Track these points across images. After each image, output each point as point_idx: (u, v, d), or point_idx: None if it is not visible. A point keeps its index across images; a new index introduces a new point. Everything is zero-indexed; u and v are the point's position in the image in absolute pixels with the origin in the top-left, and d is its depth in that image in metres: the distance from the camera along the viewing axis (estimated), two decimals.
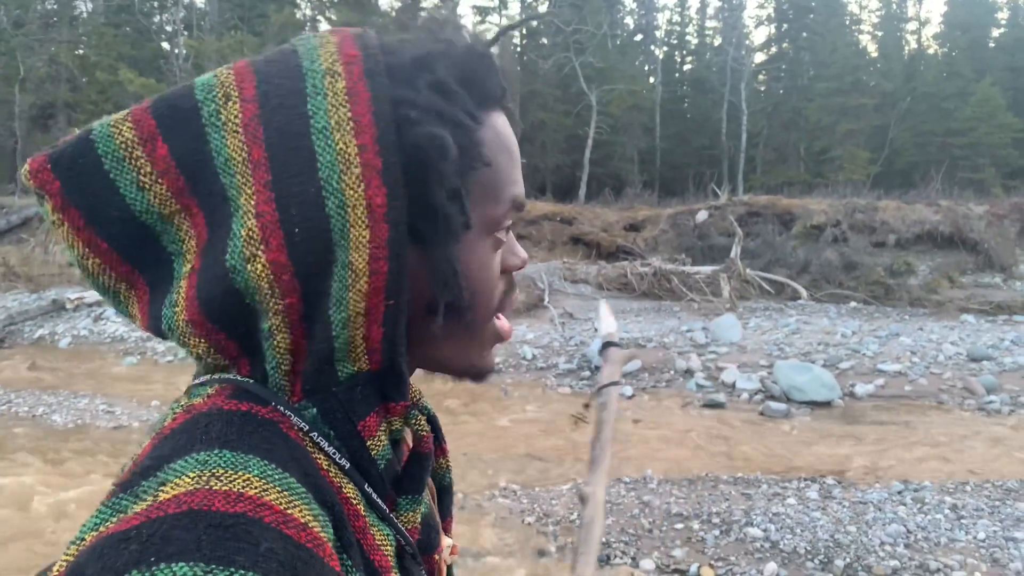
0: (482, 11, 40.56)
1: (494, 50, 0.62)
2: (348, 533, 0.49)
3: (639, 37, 45.18)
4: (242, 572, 0.40)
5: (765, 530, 4.72)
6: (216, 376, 0.53)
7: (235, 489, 0.43)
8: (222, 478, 0.44)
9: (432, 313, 0.56)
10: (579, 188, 31.62)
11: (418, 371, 0.63)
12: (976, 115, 31.18)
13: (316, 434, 0.52)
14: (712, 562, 4.30)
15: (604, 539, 4.63)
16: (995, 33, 43.55)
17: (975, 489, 5.68)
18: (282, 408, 0.51)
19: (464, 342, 0.61)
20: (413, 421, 0.59)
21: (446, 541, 0.68)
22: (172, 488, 0.43)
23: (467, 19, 42.70)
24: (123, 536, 0.41)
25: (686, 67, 45.77)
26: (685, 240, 19.22)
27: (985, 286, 17.44)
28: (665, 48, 45.93)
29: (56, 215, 0.52)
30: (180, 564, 0.39)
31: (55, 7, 31.44)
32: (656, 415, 8.05)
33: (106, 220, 0.52)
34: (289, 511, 0.44)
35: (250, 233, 0.49)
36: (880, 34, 45.42)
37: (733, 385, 8.87)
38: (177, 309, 0.52)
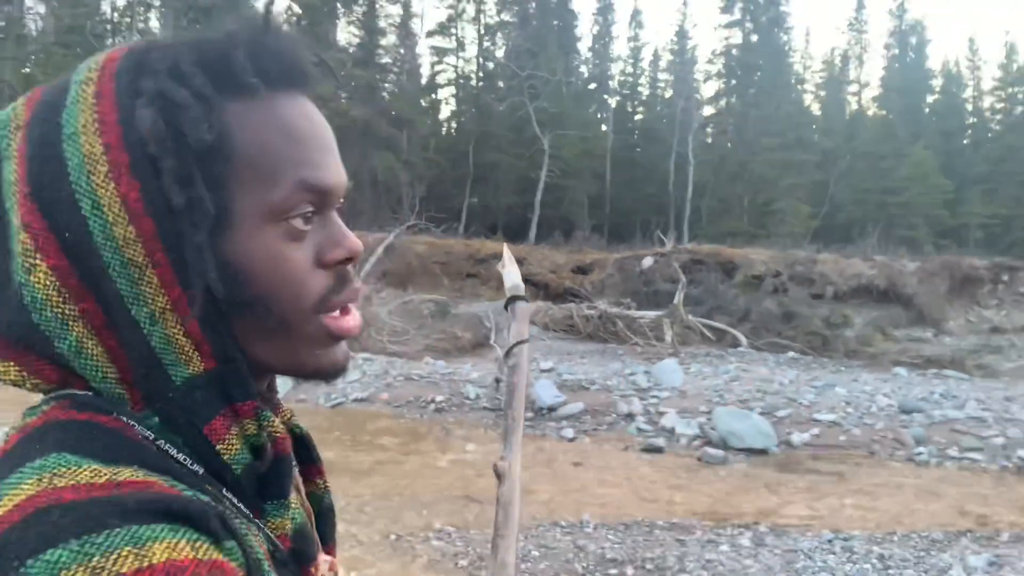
0: (440, 51, 41.06)
1: (286, 33, 0.58)
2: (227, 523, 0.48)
3: (593, 85, 46.17)
4: (120, 528, 0.39)
5: None
6: (52, 395, 0.52)
7: (83, 481, 0.42)
8: (65, 475, 0.42)
9: (231, 310, 0.53)
10: (530, 229, 31.90)
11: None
12: (910, 176, 32.58)
13: (163, 441, 0.50)
14: None
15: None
16: (930, 99, 45.81)
17: (902, 539, 5.80)
18: (124, 417, 0.49)
19: (284, 340, 0.56)
20: (266, 423, 0.55)
21: (324, 558, 0.64)
22: (11, 499, 0.41)
23: (425, 59, 43.24)
24: None
25: (637, 117, 46.86)
26: (631, 285, 19.50)
27: (917, 340, 18.05)
28: (618, 97, 47.01)
29: None
30: (50, 551, 0.38)
31: (2, 24, 30.76)
32: (596, 458, 8.04)
33: None
34: (148, 479, 0.44)
35: (24, 246, 0.49)
36: (823, 94, 47.41)
37: (673, 430, 8.94)
38: None
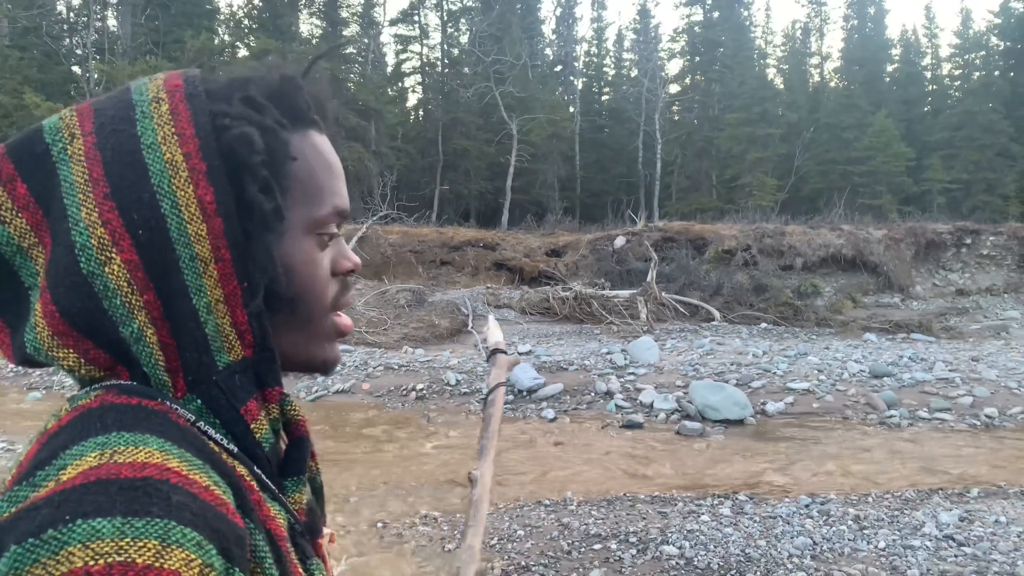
0: (403, 40, 40.70)
1: (317, 79, 0.71)
2: (246, 502, 0.54)
3: (558, 68, 46.12)
4: (158, 520, 0.44)
5: (680, 547, 4.83)
6: (97, 385, 0.57)
7: (139, 459, 0.47)
8: (124, 453, 0.48)
9: (268, 304, 0.61)
10: (502, 215, 31.90)
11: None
12: (873, 145, 32.97)
13: (203, 423, 0.57)
14: None
15: (524, 563, 4.66)
16: (889, 68, 46.31)
17: (876, 500, 5.97)
18: (168, 402, 0.56)
19: (303, 334, 0.67)
20: (288, 407, 0.65)
21: (325, 530, 0.73)
22: (74, 468, 0.47)
23: (389, 48, 42.82)
24: (31, 507, 0.44)
25: (604, 97, 46.89)
26: (604, 265, 19.62)
27: (885, 306, 18.40)
28: (584, 79, 46.99)
29: None
30: (98, 519, 0.43)
31: None
32: (577, 437, 8.15)
33: None
34: (191, 475, 0.49)
35: (101, 240, 0.55)
36: (786, 67, 47.67)
37: (651, 406, 9.08)
38: (39, 328, 0.56)
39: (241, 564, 0.49)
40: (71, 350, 0.57)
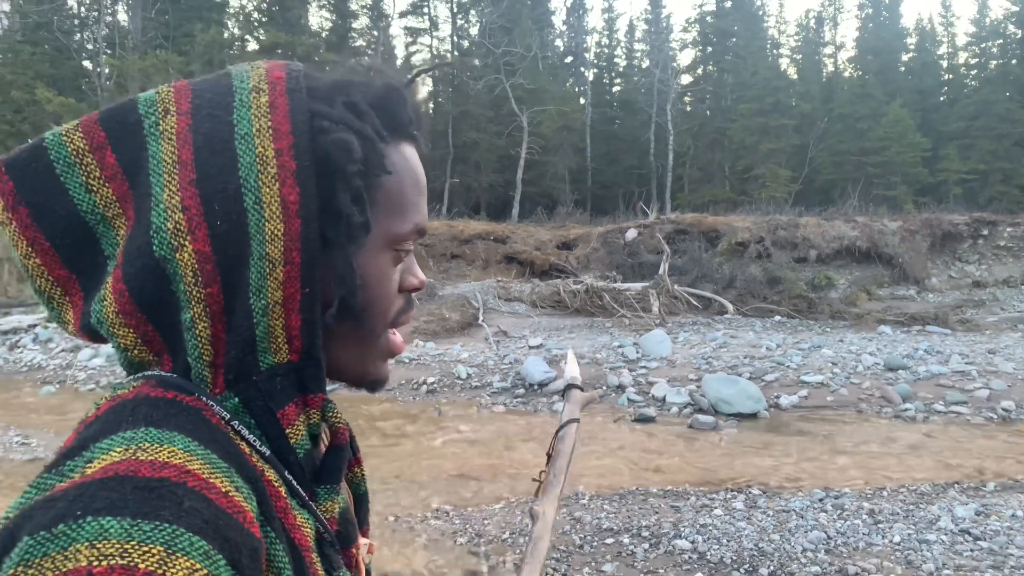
0: (413, 32, 40.66)
1: (409, 89, 0.68)
2: (270, 509, 0.53)
3: (569, 59, 45.93)
4: (167, 525, 0.44)
5: (693, 541, 4.80)
6: (139, 374, 0.57)
7: (160, 458, 0.47)
8: (148, 450, 0.47)
9: (333, 314, 0.60)
10: (512, 207, 31.83)
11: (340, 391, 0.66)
12: (888, 135, 32.68)
13: (237, 423, 0.56)
14: (642, 575, 4.36)
15: None
16: (904, 57, 45.85)
17: (891, 494, 5.91)
18: (205, 398, 0.55)
19: (361, 348, 0.65)
20: (330, 414, 0.63)
21: (363, 540, 0.71)
22: (100, 462, 0.46)
23: (399, 39, 42.80)
24: (50, 498, 0.44)
25: (615, 88, 46.67)
26: (616, 258, 19.54)
27: (900, 298, 18.25)
28: (595, 70, 46.78)
29: (6, 213, 0.56)
30: (108, 518, 0.43)
31: None
32: (589, 431, 8.12)
33: (52, 219, 0.56)
34: (211, 480, 0.48)
35: (177, 225, 0.54)
36: (799, 57, 47.29)
37: (663, 399, 9.04)
38: (106, 303, 0.56)
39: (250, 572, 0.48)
40: (132, 330, 0.56)
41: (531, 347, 12.12)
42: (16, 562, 0.42)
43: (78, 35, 32.62)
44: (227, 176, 0.55)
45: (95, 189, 0.56)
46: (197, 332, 0.55)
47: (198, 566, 0.43)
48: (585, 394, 1.31)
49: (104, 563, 0.41)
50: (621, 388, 9.51)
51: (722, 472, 6.64)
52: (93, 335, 0.59)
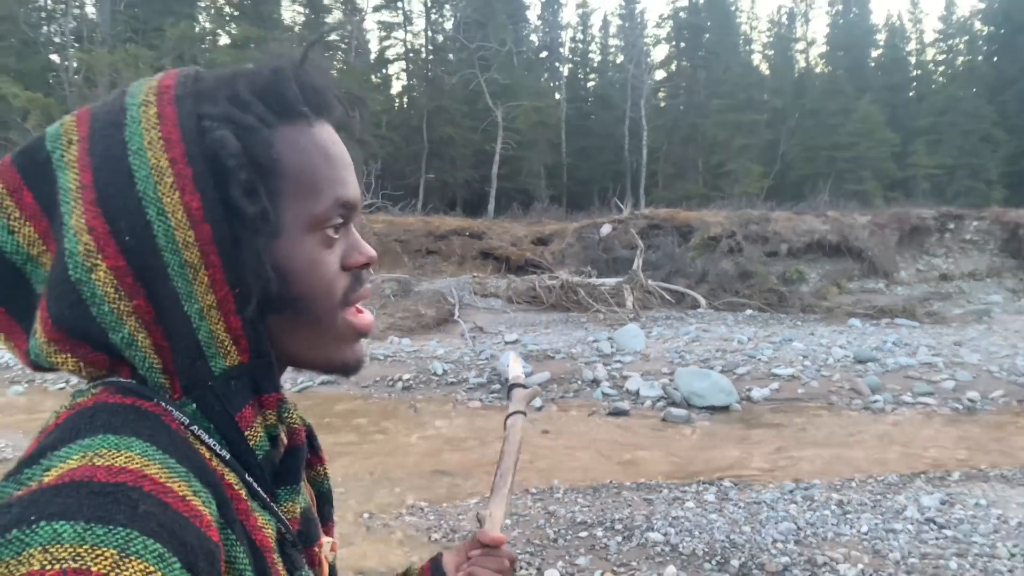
0: (387, 26, 40.44)
1: (317, 67, 0.67)
2: (231, 512, 0.54)
3: (544, 54, 45.94)
4: (121, 529, 0.44)
5: (665, 534, 4.86)
6: (98, 381, 0.57)
7: (117, 464, 0.47)
8: (104, 456, 0.48)
9: (272, 308, 0.60)
10: (488, 203, 31.83)
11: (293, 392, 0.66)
12: (858, 131, 33.12)
13: (197, 427, 0.57)
14: (615, 568, 4.40)
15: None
16: (874, 53, 46.47)
17: (859, 485, 6.02)
18: (164, 403, 0.56)
19: (315, 335, 0.65)
20: (286, 415, 0.63)
21: (326, 539, 0.72)
22: (57, 470, 0.47)
23: (372, 34, 42.53)
24: (4, 506, 0.45)
25: (590, 84, 46.81)
26: (591, 253, 19.62)
27: (870, 291, 18.53)
28: (569, 65, 46.85)
29: None
30: (61, 522, 0.43)
31: None
32: (564, 425, 8.18)
33: None
34: (168, 484, 0.48)
35: (87, 247, 0.54)
36: (771, 53, 47.76)
37: (637, 393, 9.11)
38: (38, 336, 0.57)
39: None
40: (69, 355, 0.57)
41: (507, 343, 12.14)
42: None
43: (45, 28, 32.02)
44: (126, 192, 0.55)
45: (16, 230, 0.57)
46: (139, 345, 0.56)
47: (152, 569, 0.44)
48: (528, 391, 1.30)
49: (57, 567, 0.41)
50: (596, 382, 9.57)
51: (694, 465, 6.72)
52: (44, 368, 0.59)
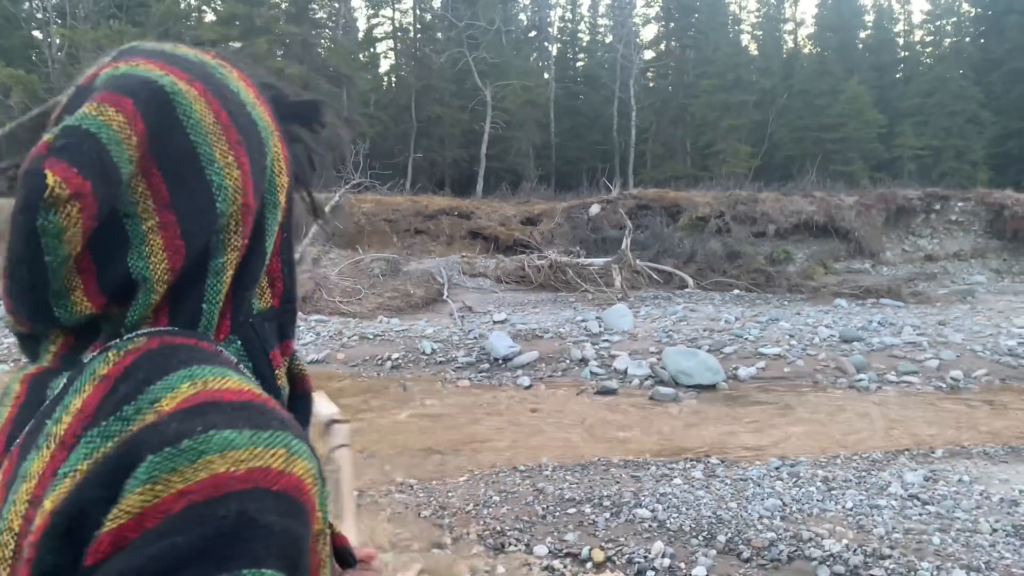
0: (375, 4, 39.98)
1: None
2: None
3: (533, 33, 45.60)
4: (279, 432, 0.49)
5: (653, 510, 4.91)
6: (139, 332, 0.56)
7: (231, 387, 0.51)
8: (216, 382, 0.51)
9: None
10: (476, 183, 31.71)
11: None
12: (845, 111, 33.16)
13: (241, 365, 0.60)
14: (603, 544, 4.44)
15: (499, 527, 4.71)
16: (862, 35, 46.41)
17: (844, 461, 6.10)
18: (214, 343, 0.59)
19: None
20: (296, 362, 0.68)
21: None
22: (171, 399, 0.49)
23: (360, 12, 42.06)
24: (155, 423, 0.47)
25: (579, 64, 46.54)
26: (579, 233, 19.63)
27: (856, 271, 18.65)
28: (558, 44, 46.56)
29: (71, 191, 0.54)
30: (228, 431, 0.47)
31: None
32: (552, 403, 8.22)
33: (111, 186, 0.56)
34: (275, 403, 0.53)
35: (235, 183, 0.59)
36: (760, 34, 47.58)
37: (625, 372, 9.16)
38: (153, 259, 0.56)
39: (324, 483, 0.53)
40: (166, 286, 0.57)
41: (495, 322, 12.16)
42: (143, 480, 0.44)
43: (27, 4, 31.46)
44: (254, 137, 0.61)
45: (133, 159, 0.58)
46: (223, 278, 0.59)
47: (309, 466, 0.49)
48: (347, 426, 1.35)
49: (242, 467, 0.45)
50: (584, 361, 9.61)
51: (682, 442, 6.78)
52: (109, 302, 0.56)
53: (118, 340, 0.56)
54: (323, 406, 1.36)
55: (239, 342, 0.60)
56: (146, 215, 0.56)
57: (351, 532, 1.14)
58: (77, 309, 0.57)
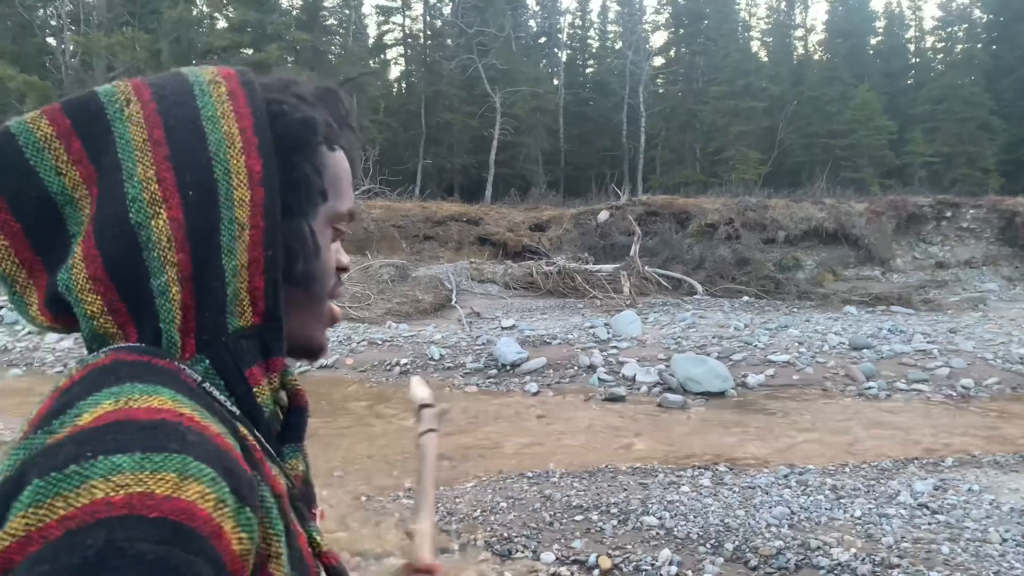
0: (385, 11, 40.17)
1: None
2: (252, 457, 0.57)
3: (542, 40, 45.68)
4: (176, 455, 0.47)
5: (660, 518, 4.90)
6: (106, 347, 0.59)
7: (153, 405, 0.50)
8: (138, 400, 0.50)
9: (289, 277, 0.66)
10: (485, 189, 31.76)
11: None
12: (855, 118, 33.05)
13: (208, 384, 0.60)
14: (610, 551, 4.44)
15: (507, 534, 4.71)
16: (873, 41, 46.27)
17: (853, 470, 6.07)
18: (176, 362, 0.59)
19: (309, 315, 0.71)
20: (289, 378, 0.68)
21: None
22: (90, 415, 0.49)
23: (371, 19, 42.26)
24: (52, 445, 0.47)
25: (588, 70, 46.58)
26: (588, 239, 19.62)
27: (865, 279, 18.56)
28: (568, 51, 46.61)
29: None
30: (118, 455, 0.46)
31: None
32: (560, 410, 8.22)
33: (23, 201, 0.60)
34: (203, 422, 0.52)
35: (153, 195, 0.58)
36: (769, 40, 47.51)
37: (633, 379, 9.15)
38: (75, 270, 0.59)
39: (252, 505, 0.51)
40: (100, 297, 0.59)
41: (504, 328, 12.17)
42: (27, 504, 0.44)
43: (41, 11, 31.75)
44: (198, 151, 0.60)
45: (64, 172, 0.60)
46: (170, 296, 0.59)
47: (208, 491, 0.47)
48: (436, 409, 1.34)
49: (121, 492, 0.44)
50: (592, 368, 9.60)
51: (690, 450, 6.76)
52: (54, 314, 0.61)
53: (89, 354, 0.59)
54: (419, 391, 1.38)
55: (207, 362, 0.60)
56: (83, 228, 0.60)
57: (426, 522, 1.15)
58: (38, 321, 0.63)
